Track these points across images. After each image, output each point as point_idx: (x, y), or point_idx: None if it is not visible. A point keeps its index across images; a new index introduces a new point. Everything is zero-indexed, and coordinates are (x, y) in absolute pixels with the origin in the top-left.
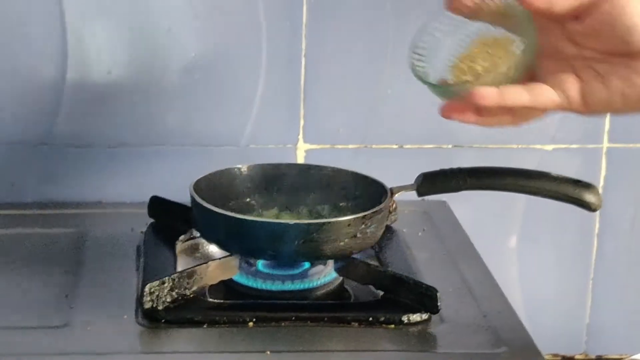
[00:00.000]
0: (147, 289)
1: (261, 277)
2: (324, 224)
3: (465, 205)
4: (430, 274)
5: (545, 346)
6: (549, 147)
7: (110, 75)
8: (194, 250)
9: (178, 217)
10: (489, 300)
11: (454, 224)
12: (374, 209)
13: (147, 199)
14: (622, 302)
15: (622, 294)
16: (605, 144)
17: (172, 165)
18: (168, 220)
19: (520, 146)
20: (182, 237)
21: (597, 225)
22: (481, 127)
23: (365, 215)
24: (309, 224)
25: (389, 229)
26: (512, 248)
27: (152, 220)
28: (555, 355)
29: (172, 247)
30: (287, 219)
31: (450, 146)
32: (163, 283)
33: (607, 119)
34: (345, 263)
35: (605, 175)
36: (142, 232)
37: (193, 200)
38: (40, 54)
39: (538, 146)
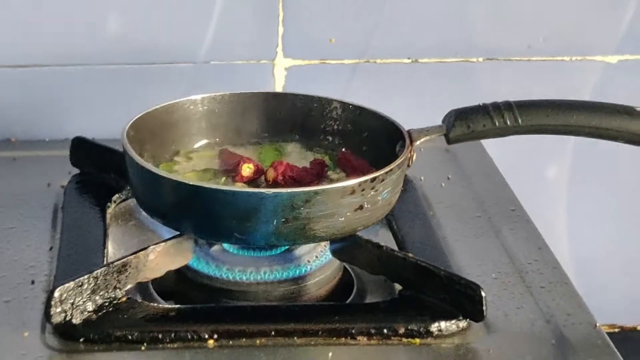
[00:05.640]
0: (56, 295)
1: (226, 261)
2: (315, 192)
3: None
4: (462, 251)
5: (600, 315)
6: (613, 59)
7: None
8: (132, 215)
9: (110, 166)
10: (552, 294)
11: (487, 167)
12: (387, 168)
13: (71, 136)
14: None
15: None
16: None
17: (107, 90)
18: (97, 170)
19: (574, 59)
20: (115, 197)
21: None
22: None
23: (375, 177)
24: (293, 194)
25: None
26: (558, 192)
27: (76, 170)
28: (612, 326)
29: (102, 212)
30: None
31: (481, 59)
32: (80, 285)
33: None
34: (345, 243)
35: None
36: (62, 186)
37: (126, 154)
38: None
39: (599, 58)
